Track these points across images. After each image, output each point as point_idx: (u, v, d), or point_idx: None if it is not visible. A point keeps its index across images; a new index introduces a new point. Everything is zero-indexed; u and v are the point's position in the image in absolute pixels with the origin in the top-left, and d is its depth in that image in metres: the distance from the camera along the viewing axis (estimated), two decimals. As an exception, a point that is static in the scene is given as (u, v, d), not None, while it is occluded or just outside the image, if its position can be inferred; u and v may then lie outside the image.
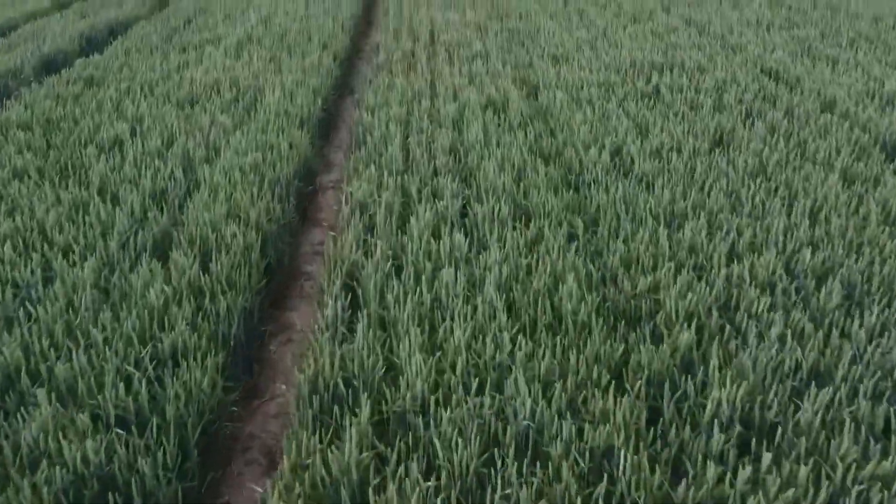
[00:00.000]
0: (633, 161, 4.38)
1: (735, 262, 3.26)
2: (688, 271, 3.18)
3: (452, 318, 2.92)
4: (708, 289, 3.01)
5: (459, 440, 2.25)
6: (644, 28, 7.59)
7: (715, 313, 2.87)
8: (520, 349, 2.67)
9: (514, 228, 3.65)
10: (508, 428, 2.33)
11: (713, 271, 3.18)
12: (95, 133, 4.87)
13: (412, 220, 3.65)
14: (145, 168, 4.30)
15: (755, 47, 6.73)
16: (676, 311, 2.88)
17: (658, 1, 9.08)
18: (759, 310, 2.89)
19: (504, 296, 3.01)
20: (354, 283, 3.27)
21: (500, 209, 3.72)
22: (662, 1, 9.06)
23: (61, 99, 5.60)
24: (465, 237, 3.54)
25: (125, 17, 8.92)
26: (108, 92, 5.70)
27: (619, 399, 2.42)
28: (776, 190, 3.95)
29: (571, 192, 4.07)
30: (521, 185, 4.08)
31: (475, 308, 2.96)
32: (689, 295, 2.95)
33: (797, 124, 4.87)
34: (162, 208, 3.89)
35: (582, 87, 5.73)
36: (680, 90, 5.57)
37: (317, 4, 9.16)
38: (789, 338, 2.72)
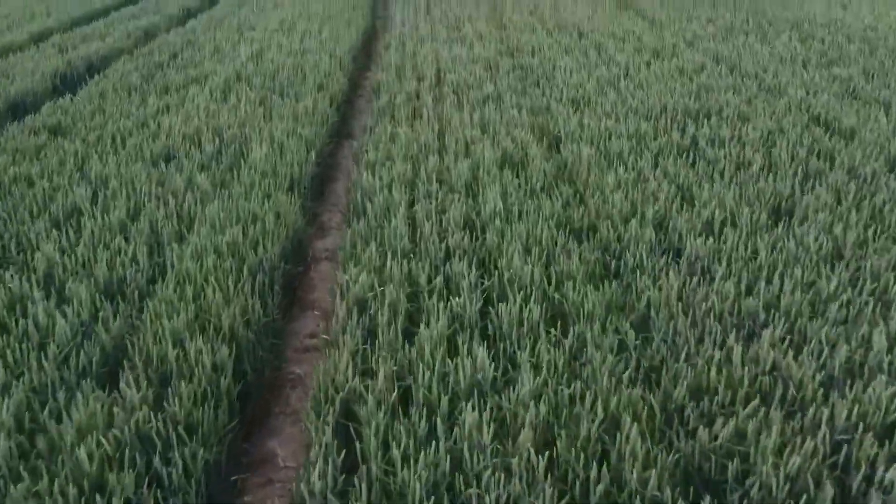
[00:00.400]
0: (681, 237, 3.70)
1: (835, 392, 2.56)
2: (776, 408, 2.49)
3: (479, 485, 2.23)
4: (811, 440, 2.31)
5: None
6: (669, 65, 6.94)
7: (827, 483, 2.18)
8: (573, 546, 1.97)
9: (548, 334, 2.97)
10: None
11: (809, 409, 2.48)
12: (51, 200, 4.19)
13: (422, 326, 2.96)
14: (103, 248, 3.62)
15: (796, 89, 6.07)
16: (777, 480, 2.18)
17: (679, 35, 8.45)
18: (884, 477, 2.20)
19: (545, 453, 2.30)
20: (350, 423, 2.57)
21: (529, 311, 3.03)
22: (685, 35, 8.42)
23: (19, 154, 4.92)
24: (489, 351, 2.85)
25: (107, 51, 8.27)
26: (74, 145, 5.03)
27: None
28: (862, 282, 3.26)
29: (613, 282, 3.38)
30: (552, 271, 3.40)
31: (509, 471, 2.26)
32: (788, 452, 2.25)
33: (866, 189, 4.19)
34: (118, 306, 3.20)
35: (609, 138, 5.07)
36: (722, 144, 4.91)
37: (312, 38, 8.52)
38: (935, 526, 2.03)
